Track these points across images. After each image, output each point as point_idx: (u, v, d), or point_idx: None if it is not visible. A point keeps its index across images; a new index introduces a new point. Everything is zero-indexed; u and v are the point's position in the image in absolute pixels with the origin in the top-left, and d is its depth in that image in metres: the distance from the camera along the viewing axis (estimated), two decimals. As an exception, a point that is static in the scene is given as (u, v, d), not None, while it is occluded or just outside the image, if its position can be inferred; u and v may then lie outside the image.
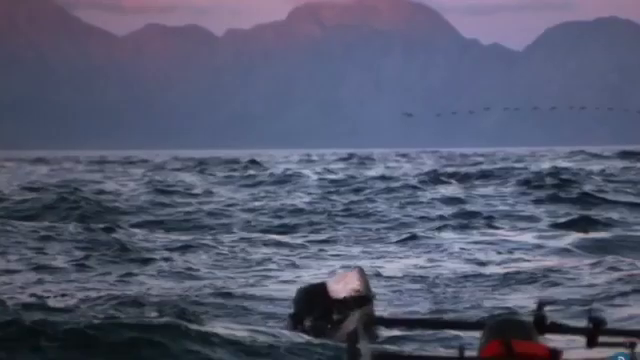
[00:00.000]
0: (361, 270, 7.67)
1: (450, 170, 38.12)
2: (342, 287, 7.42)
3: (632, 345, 3.03)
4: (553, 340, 3.14)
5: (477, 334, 3.00)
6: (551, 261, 11.47)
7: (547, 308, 3.05)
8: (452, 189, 25.50)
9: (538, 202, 21.10)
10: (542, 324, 2.99)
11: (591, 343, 3.04)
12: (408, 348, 6.08)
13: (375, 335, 6.58)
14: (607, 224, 15.41)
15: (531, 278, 10.02)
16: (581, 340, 3.07)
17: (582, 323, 7.83)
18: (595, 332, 3.02)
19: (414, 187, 27.19)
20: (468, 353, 2.90)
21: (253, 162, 55.56)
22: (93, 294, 9.02)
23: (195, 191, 27.03)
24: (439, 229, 15.26)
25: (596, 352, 3.12)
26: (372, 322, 3.09)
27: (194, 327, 6.81)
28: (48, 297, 8.75)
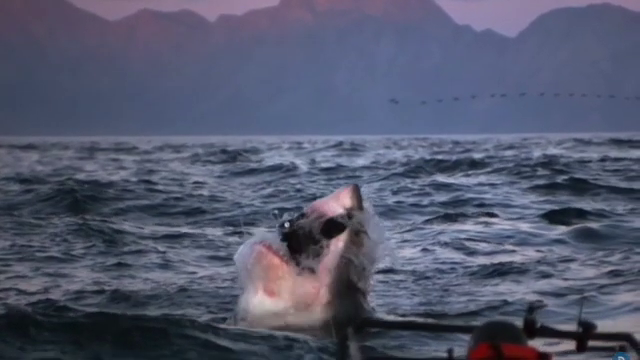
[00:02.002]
0: (356, 187, 6.88)
1: (441, 157, 38.14)
2: (330, 209, 6.71)
3: (622, 349, 3.02)
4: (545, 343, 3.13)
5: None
6: (543, 251, 11.46)
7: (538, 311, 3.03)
8: (443, 177, 25.49)
9: (529, 190, 21.10)
10: (532, 328, 2.98)
11: (581, 347, 3.03)
12: (397, 347, 6.05)
13: (364, 336, 6.40)
14: (600, 214, 15.38)
15: (522, 269, 10.01)
16: (571, 344, 3.05)
17: (573, 311, 7.79)
18: (585, 336, 3.00)
19: (405, 175, 27.19)
20: (457, 355, 2.89)
21: (245, 150, 55.52)
22: (83, 285, 8.99)
23: (186, 180, 26.97)
24: (430, 219, 15.21)
25: (586, 356, 3.10)
26: (362, 323, 3.08)
27: (188, 318, 6.77)
28: (38, 288, 8.70)
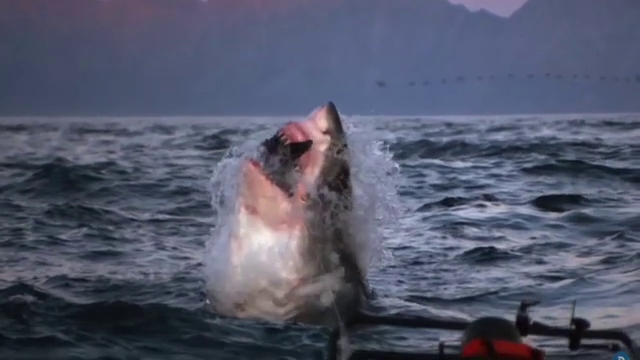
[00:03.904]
0: (331, 107, 6.37)
1: (433, 140, 38.04)
2: (304, 131, 6.25)
3: (615, 347, 3.01)
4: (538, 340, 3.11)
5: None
6: (536, 236, 11.38)
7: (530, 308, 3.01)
8: (435, 160, 25.36)
9: (523, 173, 20.98)
10: (525, 325, 2.97)
11: (574, 345, 3.02)
12: (389, 339, 6.00)
13: (355, 330, 6.15)
14: (593, 198, 15.27)
15: (516, 254, 9.97)
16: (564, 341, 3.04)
17: (566, 291, 7.73)
18: (578, 334, 2.99)
19: (396, 157, 26.99)
20: (449, 350, 2.88)
21: (234, 131, 55.34)
22: (72, 272, 8.91)
23: (175, 163, 26.81)
24: (422, 202, 15.10)
25: (580, 353, 3.08)
26: (353, 319, 3.06)
27: (182, 307, 6.69)
28: (25, 276, 8.59)
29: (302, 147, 6.28)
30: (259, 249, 6.28)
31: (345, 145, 6.35)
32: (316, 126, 6.32)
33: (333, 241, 6.35)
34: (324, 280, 6.31)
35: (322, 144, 6.29)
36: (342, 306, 6.17)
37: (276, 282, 6.27)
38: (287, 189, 6.27)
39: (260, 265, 6.27)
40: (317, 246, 6.29)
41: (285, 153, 6.28)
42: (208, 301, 6.58)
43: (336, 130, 6.32)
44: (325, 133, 6.30)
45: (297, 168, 6.29)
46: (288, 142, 6.26)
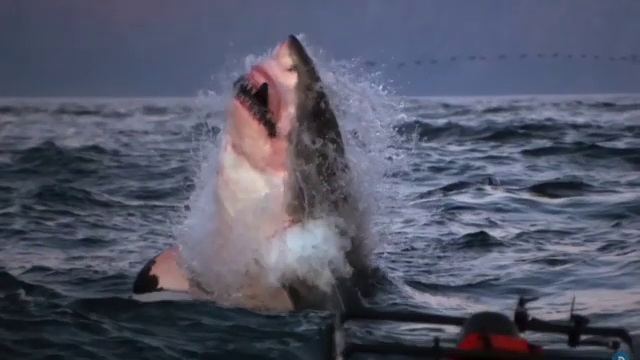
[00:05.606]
0: (293, 40, 6.00)
1: (430, 121, 37.83)
2: (268, 72, 5.94)
3: (615, 345, 2.97)
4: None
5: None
6: (536, 224, 11.29)
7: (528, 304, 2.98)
8: (431, 143, 25.18)
9: (522, 156, 20.85)
10: (523, 320, 2.94)
11: (573, 341, 2.98)
12: (384, 335, 5.91)
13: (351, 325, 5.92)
14: (595, 182, 15.18)
15: (513, 241, 9.91)
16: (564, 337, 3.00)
17: (563, 283, 7.68)
18: (577, 330, 2.96)
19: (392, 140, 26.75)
20: (446, 344, 2.84)
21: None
22: (64, 261, 8.81)
23: (164, 149, 26.63)
24: (420, 189, 14.96)
25: (578, 350, 3.05)
26: (348, 315, 3.03)
27: (177, 300, 6.62)
28: (14, 266, 8.46)
29: (267, 91, 5.97)
30: (245, 189, 6.04)
31: (317, 78, 6.03)
32: (280, 65, 6.04)
33: (326, 194, 6.06)
34: (315, 234, 6.04)
35: (290, 83, 6.00)
36: (342, 287, 5.98)
37: (263, 223, 6.00)
38: (272, 129, 6.01)
39: (247, 206, 6.03)
40: (306, 192, 6.02)
41: (255, 100, 6.01)
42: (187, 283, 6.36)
43: (303, 65, 5.97)
44: (291, 70, 6.02)
45: (270, 114, 6.01)
46: (254, 91, 5.99)
